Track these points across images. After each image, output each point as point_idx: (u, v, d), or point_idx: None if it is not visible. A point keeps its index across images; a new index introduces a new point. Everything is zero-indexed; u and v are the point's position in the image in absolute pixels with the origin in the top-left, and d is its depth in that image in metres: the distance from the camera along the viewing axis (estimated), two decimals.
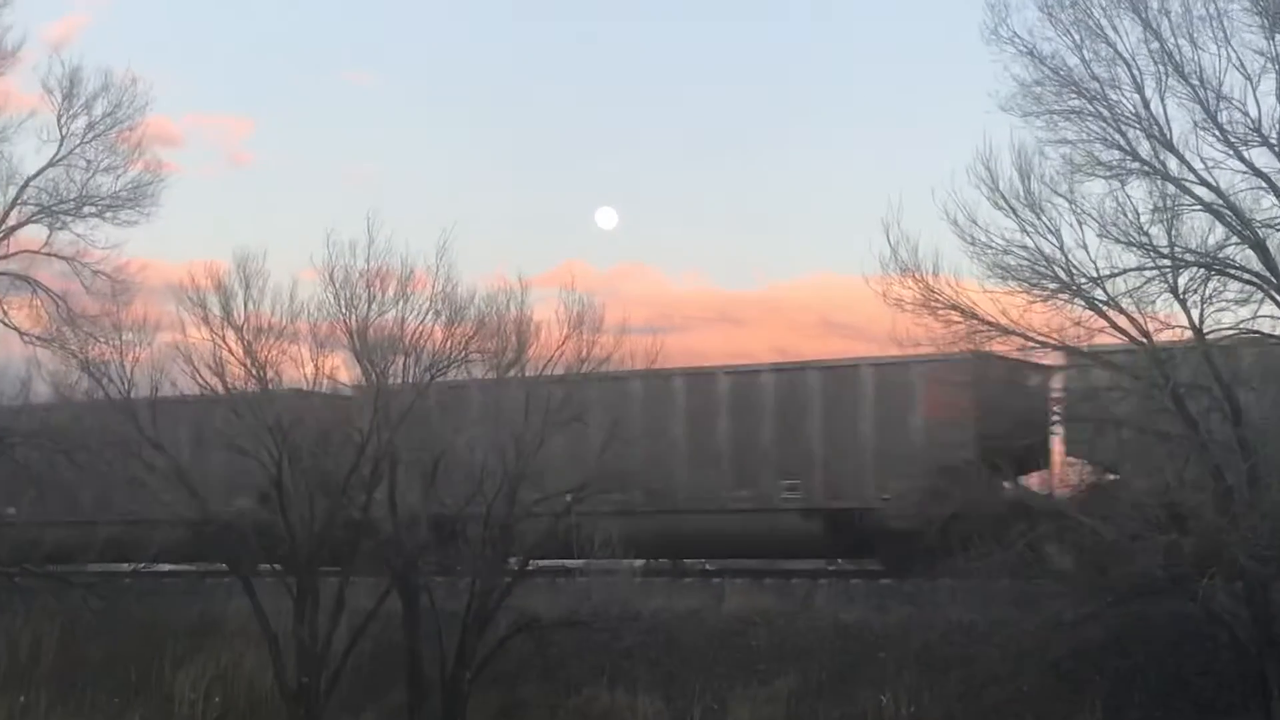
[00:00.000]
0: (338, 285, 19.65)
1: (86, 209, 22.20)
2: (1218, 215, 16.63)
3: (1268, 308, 16.74)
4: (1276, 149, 16.43)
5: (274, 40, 64.11)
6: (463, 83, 63.91)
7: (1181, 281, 16.85)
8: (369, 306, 19.55)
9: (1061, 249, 17.35)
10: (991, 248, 17.70)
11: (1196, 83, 16.58)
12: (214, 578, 24.15)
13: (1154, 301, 17.16)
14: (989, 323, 17.88)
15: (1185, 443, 16.96)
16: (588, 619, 19.24)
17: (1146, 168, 17.04)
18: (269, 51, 63.15)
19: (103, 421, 20.49)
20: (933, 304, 18.14)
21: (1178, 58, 16.63)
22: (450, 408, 20.72)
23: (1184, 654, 17.93)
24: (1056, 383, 19.87)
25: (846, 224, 54.68)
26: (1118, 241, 17.11)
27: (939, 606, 19.87)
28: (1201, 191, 16.74)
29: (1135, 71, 16.96)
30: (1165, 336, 17.35)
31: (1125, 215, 17.06)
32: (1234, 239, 16.63)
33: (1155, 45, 16.73)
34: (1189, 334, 17.00)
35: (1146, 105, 16.97)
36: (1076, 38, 17.11)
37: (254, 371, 19.79)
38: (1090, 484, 19.51)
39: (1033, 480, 21.18)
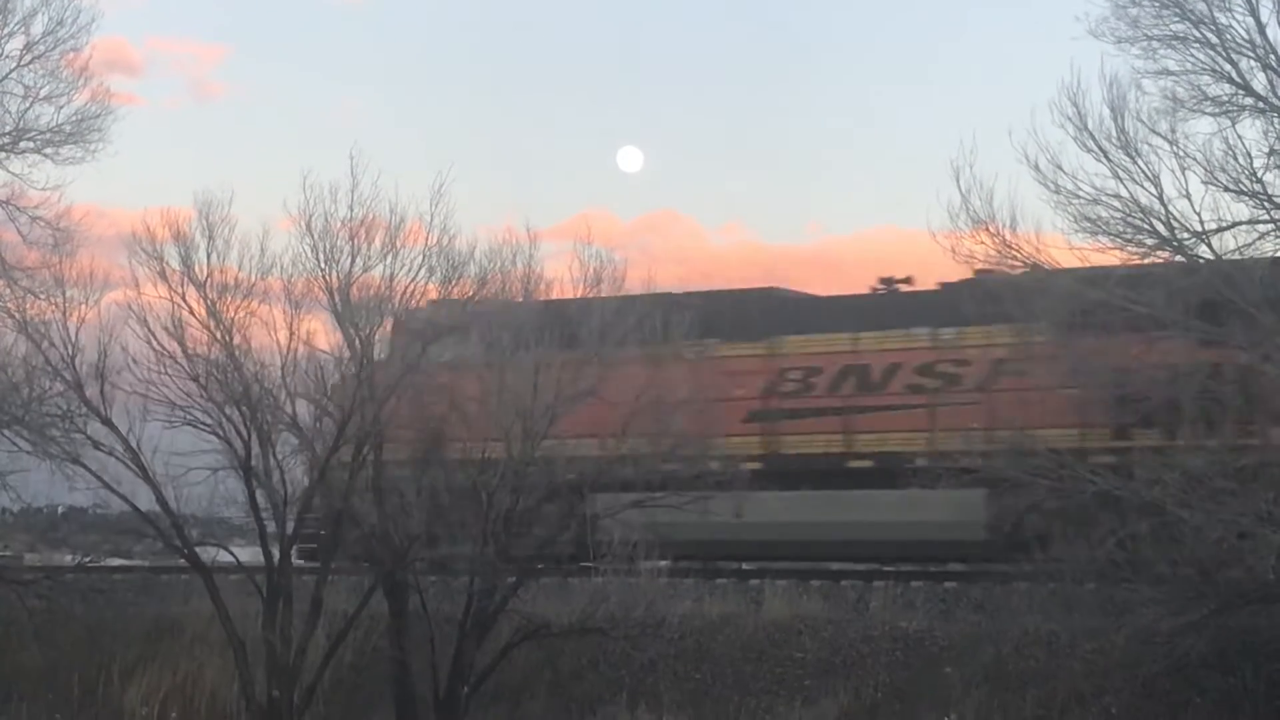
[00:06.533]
0: (316, 236, 18.96)
1: (23, 144, 21.76)
2: None
3: None
4: None
5: None
6: (463, 4, 62.03)
7: None
8: (352, 261, 18.89)
9: (1160, 198, 16.90)
10: (1079, 196, 17.29)
11: None
12: (171, 574, 23.68)
13: None
14: None
15: None
16: (604, 625, 18.79)
17: (1261, 104, 16.54)
18: None
19: (42, 392, 19.75)
20: (1009, 262, 17.75)
21: None
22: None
23: None
24: None
25: (913, 169, 53.22)
26: (1226, 190, 16.69)
27: (1013, 614, 19.49)
28: None
29: None
30: None
31: (1236, 160, 16.62)
32: None
33: None
34: None
35: (1262, 30, 16.50)
36: None
37: (218, 335, 19.17)
38: None
39: None
